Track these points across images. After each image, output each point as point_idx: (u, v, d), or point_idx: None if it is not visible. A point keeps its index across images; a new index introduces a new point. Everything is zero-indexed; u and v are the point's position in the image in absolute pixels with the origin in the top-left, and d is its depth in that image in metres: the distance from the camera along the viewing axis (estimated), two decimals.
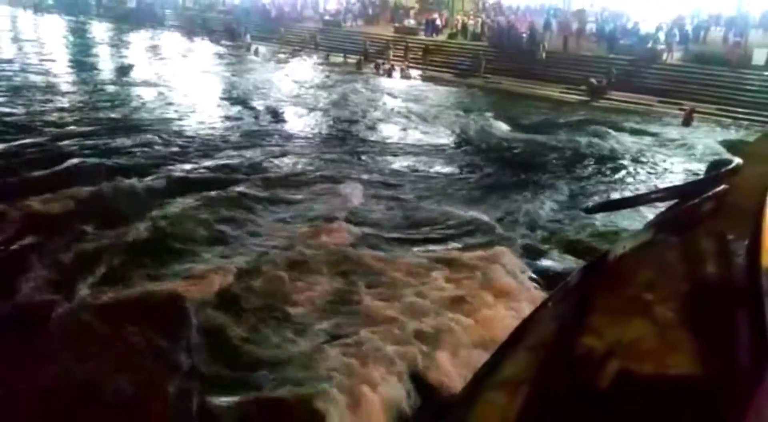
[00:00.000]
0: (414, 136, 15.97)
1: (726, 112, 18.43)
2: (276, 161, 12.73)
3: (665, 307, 1.16)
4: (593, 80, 21.10)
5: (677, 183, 6.88)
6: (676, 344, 1.04)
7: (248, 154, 13.07)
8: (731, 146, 13.58)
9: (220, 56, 30.42)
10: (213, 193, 10.08)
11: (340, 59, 29.04)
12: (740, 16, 26.10)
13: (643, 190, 11.39)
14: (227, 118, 17.07)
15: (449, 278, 7.51)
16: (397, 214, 9.90)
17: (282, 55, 30.82)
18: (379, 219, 9.65)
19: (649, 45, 22.47)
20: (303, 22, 36.52)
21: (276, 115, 17.49)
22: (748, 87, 19.42)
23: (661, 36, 22.82)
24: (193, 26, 39.17)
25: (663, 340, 1.06)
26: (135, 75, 23.01)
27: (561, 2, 31.58)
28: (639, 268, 1.36)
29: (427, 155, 14.09)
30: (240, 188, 10.50)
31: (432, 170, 12.86)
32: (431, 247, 8.56)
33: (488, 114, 18.13)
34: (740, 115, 18.15)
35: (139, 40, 35.39)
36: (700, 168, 13.01)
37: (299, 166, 12.50)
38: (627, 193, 11.29)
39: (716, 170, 1.65)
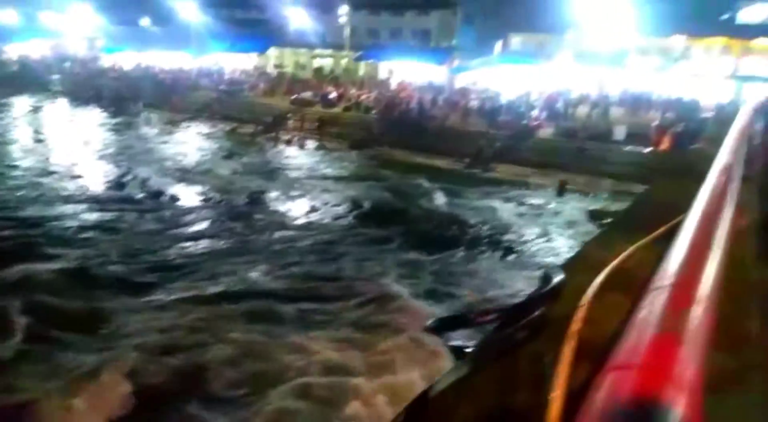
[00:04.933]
0: (308, 206, 16.17)
1: (594, 182, 20.37)
2: (164, 240, 12.31)
3: None
4: (477, 152, 22.65)
5: (523, 289, 7.44)
6: None
7: (124, 234, 12.54)
8: (594, 215, 14.96)
9: (108, 125, 29.32)
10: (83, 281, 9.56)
11: (238, 129, 29.02)
12: (602, 96, 29.55)
13: (512, 259, 12.22)
14: (108, 189, 16.40)
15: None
16: (290, 285, 9.92)
17: (175, 124, 30.26)
18: (273, 289, 9.62)
19: (525, 121, 24.62)
20: (199, 91, 36.28)
21: (161, 191, 16.87)
22: (611, 160, 21.68)
23: (535, 113, 25.17)
24: (82, 93, 37.61)
25: None
26: (9, 144, 21.57)
27: (446, 81, 34.09)
28: (458, 404, 1.52)
29: (320, 226, 14.29)
30: (115, 269, 10.04)
31: (324, 239, 13.06)
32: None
33: (381, 183, 18.80)
34: (605, 186, 20.14)
35: (20, 105, 33.36)
36: (571, 234, 14.25)
37: (191, 246, 12.16)
38: (497, 262, 12.03)
39: (544, 285, 1.88)
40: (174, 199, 16.04)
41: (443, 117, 26.53)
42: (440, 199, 17.70)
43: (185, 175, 18.78)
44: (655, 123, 22.49)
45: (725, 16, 36.00)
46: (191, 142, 25.62)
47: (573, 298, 1.77)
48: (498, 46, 37.27)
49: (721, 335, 1.32)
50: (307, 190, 18.09)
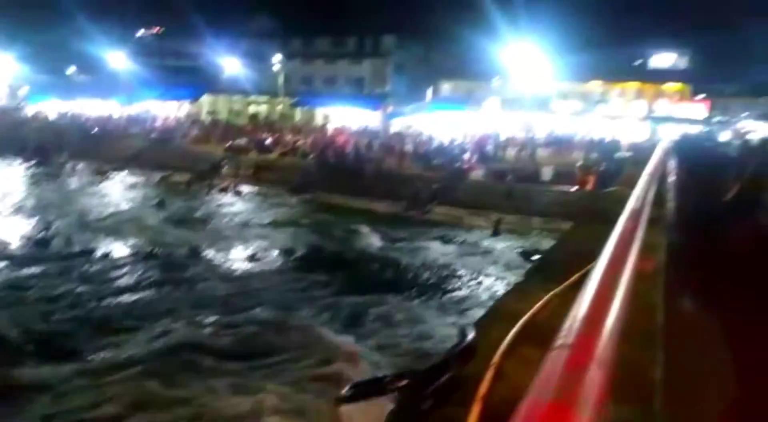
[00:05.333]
0: (244, 254, 15.81)
1: (525, 221, 21.04)
2: (87, 298, 11.64)
3: None
4: (414, 195, 23.02)
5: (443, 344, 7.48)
6: None
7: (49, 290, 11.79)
8: (526, 254, 15.34)
9: (30, 177, 27.91)
10: None
11: (171, 177, 28.22)
12: (529, 139, 30.91)
13: (448, 301, 12.32)
14: (25, 247, 15.46)
15: None
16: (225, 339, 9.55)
17: (103, 175, 29.09)
18: (204, 344, 9.23)
19: (458, 164, 25.32)
20: (129, 139, 35.24)
21: (86, 246, 15.99)
22: (540, 199, 22.52)
23: (467, 156, 25.97)
24: (2, 143, 35.60)
25: None
26: None
27: (381, 126, 34.83)
28: None
29: (256, 275, 13.97)
30: (31, 334, 9.37)
31: (260, 286, 12.78)
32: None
33: (319, 228, 18.69)
34: (535, 224, 20.84)
35: None
36: (507, 272, 14.53)
37: (116, 304, 11.54)
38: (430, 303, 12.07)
39: (458, 343, 1.86)
40: (99, 254, 15.26)
41: (379, 161, 26.91)
42: (379, 243, 17.74)
43: (112, 228, 17.97)
44: (579, 163, 23.67)
45: (638, 63, 39.00)
46: (120, 193, 24.71)
47: (485, 357, 1.77)
48: (429, 92, 38.61)
49: (623, 388, 1.33)
50: (244, 237, 17.71)
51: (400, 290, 13.09)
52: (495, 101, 35.50)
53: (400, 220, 21.39)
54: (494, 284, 13.71)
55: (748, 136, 26.65)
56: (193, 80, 41.89)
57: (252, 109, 44.12)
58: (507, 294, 2.32)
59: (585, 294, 1.62)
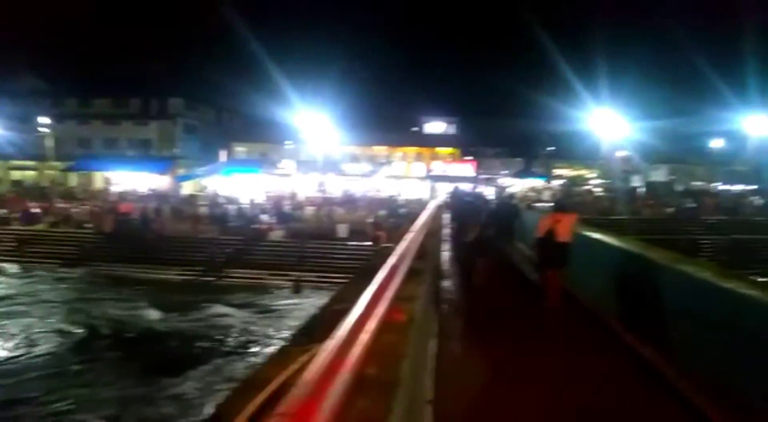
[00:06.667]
0: (4, 341, 13.44)
1: (325, 278, 21.42)
2: None
3: None
4: (209, 260, 22.04)
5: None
6: None
7: None
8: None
9: None
10: None
11: None
12: (325, 199, 31.97)
13: (232, 368, 11.93)
14: None
15: None
16: None
17: None
18: None
19: (256, 225, 25.05)
20: None
21: None
22: (338, 255, 23.25)
23: (265, 217, 25.88)
24: None
25: None
26: None
27: (171, 189, 33.12)
28: None
29: (23, 366, 11.92)
30: None
31: (28, 377, 10.93)
32: None
33: (98, 305, 16.74)
34: (335, 280, 21.34)
35: None
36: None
37: None
38: None
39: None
40: None
41: (170, 226, 25.37)
42: (167, 315, 16.41)
43: None
44: (370, 220, 25.13)
45: (415, 129, 43.58)
46: None
47: None
48: (223, 154, 38.01)
49: None
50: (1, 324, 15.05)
51: (192, 366, 12.16)
52: (290, 163, 36.30)
53: (196, 287, 20.19)
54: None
55: (507, 191, 31.14)
56: None
57: (16, 175, 38.73)
58: (269, 358, 2.30)
59: (321, 355, 1.70)
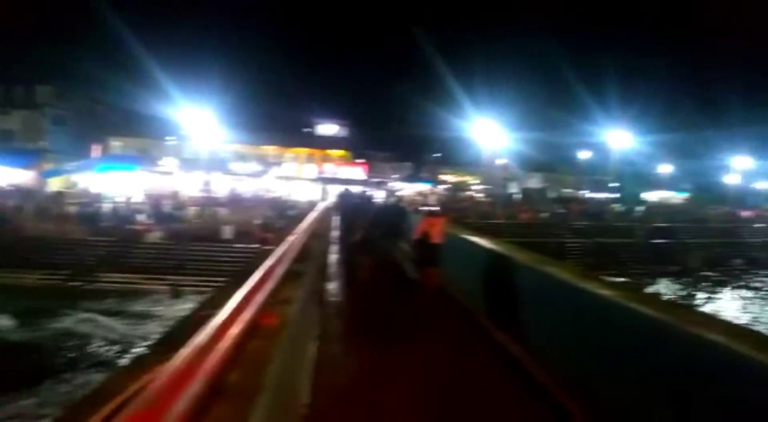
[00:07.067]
0: None
1: (206, 282, 20.53)
2: None
3: None
4: (79, 263, 20.31)
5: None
6: None
7: None
8: None
9: None
10: None
11: None
12: (209, 198, 30.73)
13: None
14: None
15: None
16: None
17: None
18: None
19: (131, 225, 23.50)
20: None
21: None
22: (222, 258, 22.39)
23: (142, 217, 24.35)
24: None
25: None
26: None
27: (36, 185, 30.17)
28: None
29: None
30: None
31: None
32: None
33: None
34: (219, 284, 20.54)
35: None
36: None
37: None
38: None
39: None
40: None
41: (33, 226, 23.06)
42: (31, 326, 14.87)
43: None
44: (258, 221, 24.53)
45: (307, 130, 43.25)
46: None
47: None
48: (97, 149, 35.20)
49: None
50: None
51: (30, 380, 10.87)
52: (172, 161, 34.46)
53: (60, 293, 18.46)
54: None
55: (396, 194, 31.88)
56: None
57: None
58: (120, 368, 2.13)
59: (173, 363, 1.62)
